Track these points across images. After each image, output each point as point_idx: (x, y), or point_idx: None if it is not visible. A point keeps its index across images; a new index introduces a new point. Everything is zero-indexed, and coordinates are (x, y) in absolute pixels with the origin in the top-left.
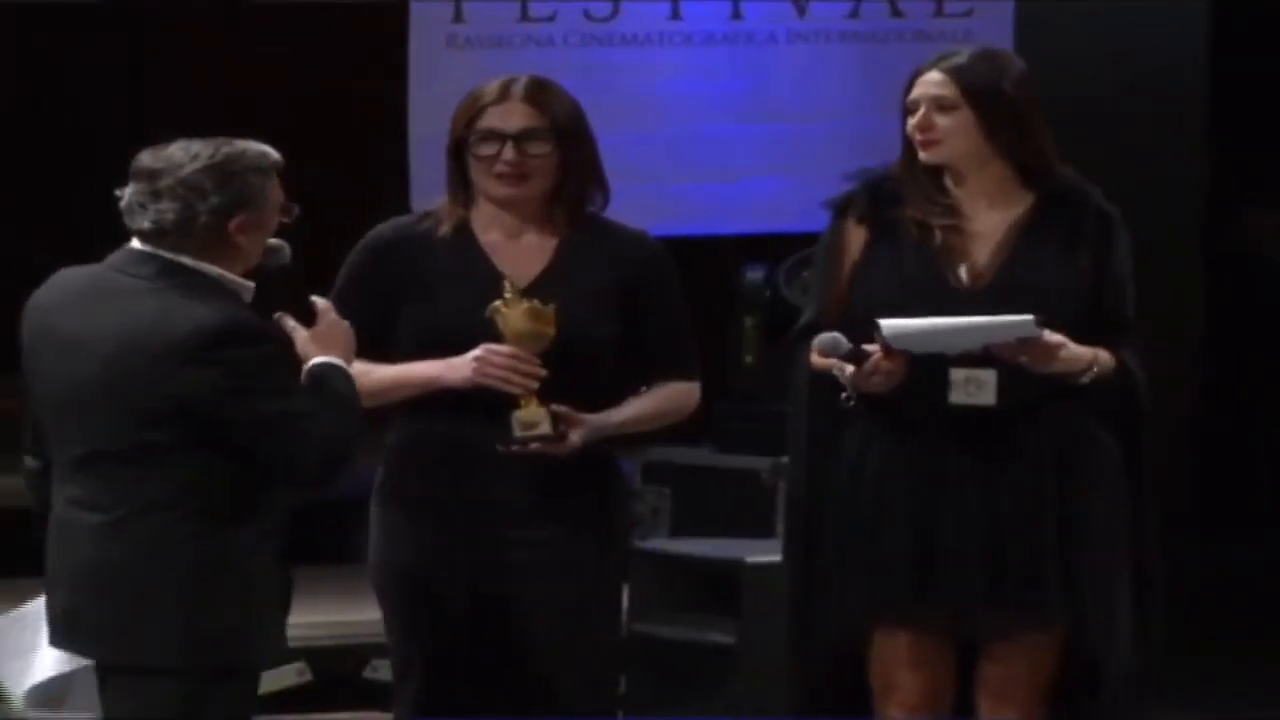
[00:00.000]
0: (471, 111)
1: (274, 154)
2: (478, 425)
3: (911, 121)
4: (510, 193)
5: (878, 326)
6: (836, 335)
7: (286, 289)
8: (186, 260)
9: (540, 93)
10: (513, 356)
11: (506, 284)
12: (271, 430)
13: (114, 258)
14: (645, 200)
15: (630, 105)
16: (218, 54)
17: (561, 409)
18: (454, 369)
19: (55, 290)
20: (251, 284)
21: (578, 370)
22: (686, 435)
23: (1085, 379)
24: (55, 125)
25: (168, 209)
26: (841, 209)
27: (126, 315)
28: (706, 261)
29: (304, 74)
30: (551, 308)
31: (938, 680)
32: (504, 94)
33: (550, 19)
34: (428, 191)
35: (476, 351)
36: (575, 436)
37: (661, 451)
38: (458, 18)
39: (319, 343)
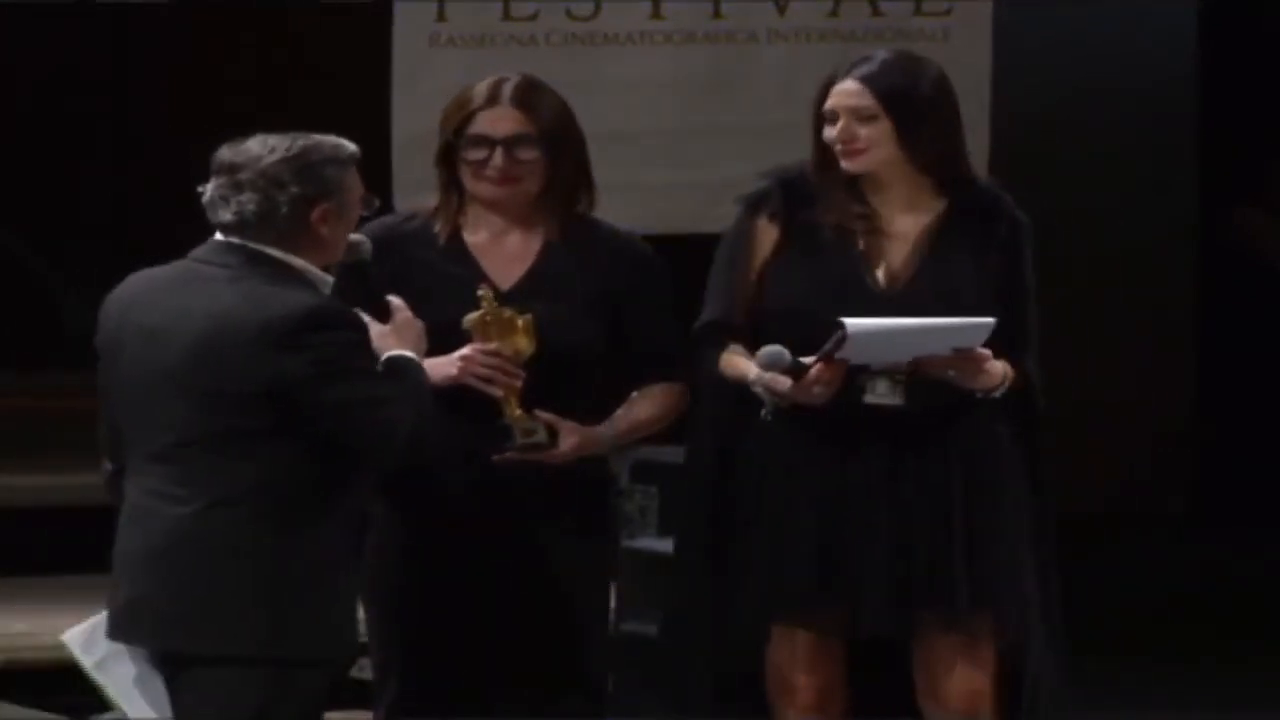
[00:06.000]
0: (461, 115)
1: (350, 146)
2: (465, 426)
3: (831, 132)
4: (499, 194)
5: (841, 325)
6: (780, 350)
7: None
8: (272, 250)
9: (530, 96)
10: (495, 354)
11: (482, 294)
12: (358, 414)
13: (197, 251)
14: (627, 200)
15: (612, 104)
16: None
17: (550, 416)
18: (437, 368)
19: (133, 286)
20: (330, 278)
21: (560, 374)
22: (674, 435)
23: (997, 393)
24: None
25: (249, 200)
26: (753, 206)
27: (212, 302)
28: (696, 261)
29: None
30: (529, 318)
31: (832, 681)
32: (494, 98)
33: (532, 18)
34: (410, 190)
35: (463, 351)
36: (566, 444)
37: (649, 451)
38: (441, 17)
39: (393, 337)
